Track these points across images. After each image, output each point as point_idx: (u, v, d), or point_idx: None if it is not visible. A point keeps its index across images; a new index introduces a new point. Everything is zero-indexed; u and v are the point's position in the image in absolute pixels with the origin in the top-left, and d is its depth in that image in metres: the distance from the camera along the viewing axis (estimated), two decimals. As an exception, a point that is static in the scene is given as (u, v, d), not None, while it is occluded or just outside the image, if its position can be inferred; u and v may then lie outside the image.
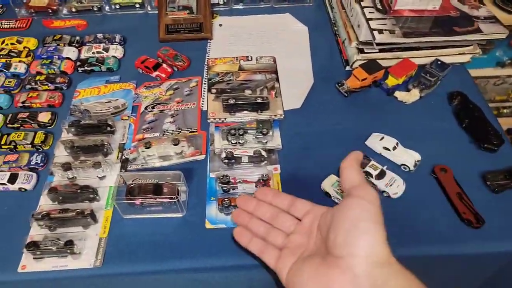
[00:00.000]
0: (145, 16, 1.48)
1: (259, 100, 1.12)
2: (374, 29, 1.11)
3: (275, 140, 1.08)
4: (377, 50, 1.20)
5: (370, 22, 1.12)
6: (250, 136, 1.06)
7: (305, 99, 1.19)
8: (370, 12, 1.16)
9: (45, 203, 0.95)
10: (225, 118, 1.14)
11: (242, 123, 1.08)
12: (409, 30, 1.12)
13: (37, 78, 1.20)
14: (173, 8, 1.38)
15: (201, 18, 1.37)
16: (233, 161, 1.02)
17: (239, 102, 1.12)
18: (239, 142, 1.06)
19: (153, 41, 1.38)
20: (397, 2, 1.12)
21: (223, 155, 1.02)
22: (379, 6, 1.18)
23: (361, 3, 1.18)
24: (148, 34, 1.41)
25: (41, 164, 1.02)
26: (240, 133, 1.05)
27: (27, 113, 1.11)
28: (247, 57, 1.30)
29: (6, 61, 1.27)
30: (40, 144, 1.06)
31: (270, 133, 1.05)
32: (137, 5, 1.47)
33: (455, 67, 1.23)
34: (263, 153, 1.02)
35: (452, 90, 1.20)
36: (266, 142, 1.07)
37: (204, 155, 1.06)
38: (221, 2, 1.47)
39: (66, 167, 0.97)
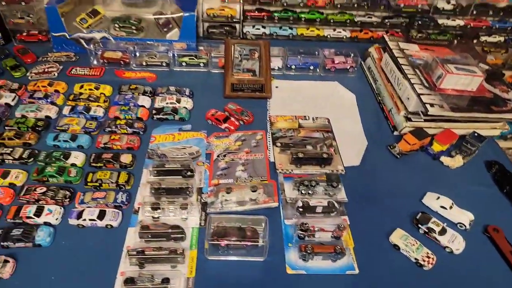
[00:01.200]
0: (208, 74, 1.63)
1: (325, 156, 1.23)
2: (426, 103, 1.27)
3: (341, 193, 1.16)
4: (423, 120, 1.35)
5: (421, 96, 1.29)
6: (320, 188, 1.15)
7: (362, 157, 1.31)
8: (419, 88, 1.33)
9: (132, 240, 0.98)
10: (291, 170, 1.23)
11: (313, 176, 1.18)
12: (454, 106, 1.29)
13: (117, 122, 1.29)
14: (238, 70, 1.54)
15: (263, 80, 1.53)
16: (306, 210, 1.09)
17: (307, 156, 1.23)
18: (308, 193, 1.15)
19: (217, 96, 1.51)
20: (443, 82, 1.30)
21: (299, 203, 1.09)
22: (425, 84, 1.35)
23: (410, 80, 1.36)
24: (212, 90, 1.54)
25: (125, 203, 1.06)
26: (312, 184, 1.14)
27: (111, 154, 1.18)
28: (304, 116, 1.44)
29: (85, 104, 1.36)
30: (123, 184, 1.11)
31: (339, 186, 1.15)
32: (201, 64, 1.63)
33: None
34: (336, 204, 1.10)
35: (487, 159, 1.34)
36: (334, 194, 1.15)
37: (277, 203, 1.12)
38: (276, 68, 1.64)
39: (155, 207, 1.02)
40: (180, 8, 1.65)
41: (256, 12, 1.79)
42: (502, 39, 1.97)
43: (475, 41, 1.93)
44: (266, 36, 1.85)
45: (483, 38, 1.95)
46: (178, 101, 1.42)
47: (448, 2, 1.84)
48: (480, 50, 1.98)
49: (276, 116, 1.43)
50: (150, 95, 1.45)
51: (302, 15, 1.83)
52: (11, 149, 1.15)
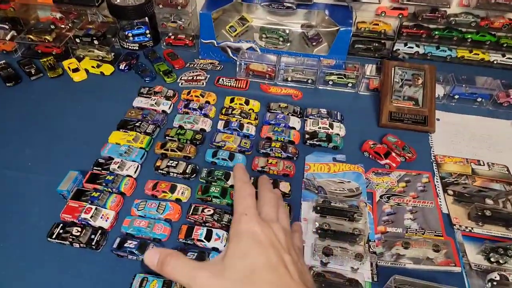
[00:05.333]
0: (355, 96, 1.57)
1: (518, 218, 1.09)
2: None
3: (542, 268, 1.02)
4: None
5: None
6: (516, 258, 1.02)
7: (561, 224, 1.13)
8: None
9: None
10: (472, 228, 1.11)
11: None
12: None
13: (273, 145, 1.29)
14: (398, 97, 1.45)
15: (426, 111, 1.42)
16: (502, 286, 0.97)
17: (495, 215, 1.09)
18: (499, 261, 1.02)
19: (370, 123, 1.44)
20: None
21: (494, 276, 0.97)
22: None
23: None
24: (362, 115, 1.48)
25: (290, 239, 1.04)
26: (510, 254, 1.01)
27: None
28: (478, 161, 1.30)
29: (238, 121, 1.39)
30: (285, 216, 1.09)
31: (544, 260, 1.00)
32: (349, 84, 1.57)
33: None
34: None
35: None
36: (533, 269, 1.01)
37: (459, 267, 1.02)
38: (436, 96, 1.51)
39: (327, 252, 0.99)
40: (333, 21, 1.60)
41: (415, 29, 1.68)
42: None
43: None
44: (418, 55, 1.73)
45: None
46: (331, 126, 1.38)
47: None
48: None
49: (443, 156, 1.32)
50: (299, 116, 1.43)
51: (469, 36, 1.66)
52: (176, 163, 1.21)
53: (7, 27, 1.77)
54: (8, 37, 1.74)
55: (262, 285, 0.55)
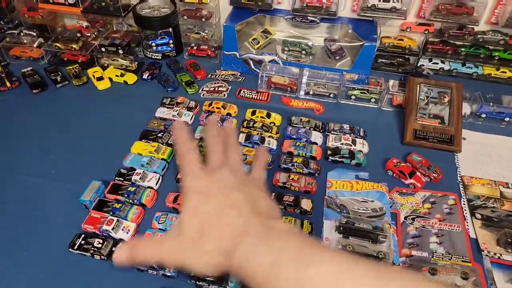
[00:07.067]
0: (378, 112, 1.53)
1: (552, 247, 1.03)
2: None
3: None
4: None
5: None
6: (550, 291, 0.96)
7: None
8: None
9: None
10: (501, 255, 1.05)
11: (540, 273, 0.99)
12: None
13: (294, 160, 1.26)
14: (423, 114, 1.40)
15: (452, 130, 1.36)
16: (532, 317, 0.91)
17: (526, 243, 1.04)
18: (531, 293, 0.96)
19: (393, 140, 1.40)
20: None
21: (527, 309, 0.92)
22: None
23: None
24: (385, 131, 1.43)
25: (311, 259, 1.01)
26: (543, 286, 0.95)
27: (293, 197, 1.14)
28: (507, 183, 1.24)
29: (259, 134, 1.36)
30: (308, 233, 1.06)
31: None
32: (372, 100, 1.53)
33: None
34: None
35: None
36: None
37: (489, 297, 0.96)
38: (462, 114, 1.46)
39: (351, 275, 0.94)
40: (358, 36, 1.57)
41: (441, 45, 1.63)
42: None
43: None
44: (443, 72, 1.68)
45: None
46: (354, 142, 1.34)
47: None
48: None
49: (470, 177, 1.26)
50: (321, 131, 1.40)
51: (496, 54, 1.60)
52: (196, 176, 1.19)
53: (34, 34, 1.80)
54: (35, 44, 1.76)
55: (212, 234, 0.58)
